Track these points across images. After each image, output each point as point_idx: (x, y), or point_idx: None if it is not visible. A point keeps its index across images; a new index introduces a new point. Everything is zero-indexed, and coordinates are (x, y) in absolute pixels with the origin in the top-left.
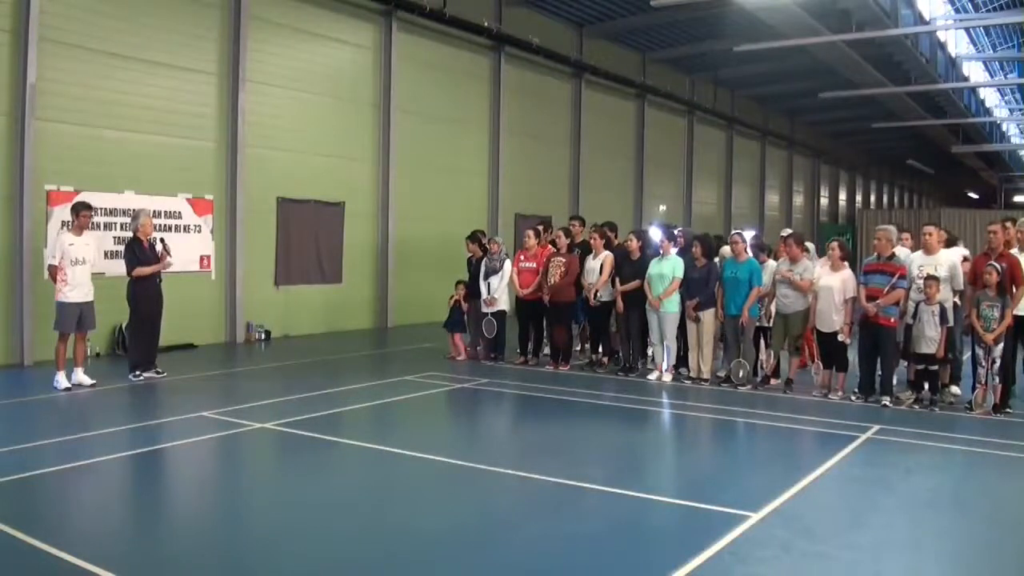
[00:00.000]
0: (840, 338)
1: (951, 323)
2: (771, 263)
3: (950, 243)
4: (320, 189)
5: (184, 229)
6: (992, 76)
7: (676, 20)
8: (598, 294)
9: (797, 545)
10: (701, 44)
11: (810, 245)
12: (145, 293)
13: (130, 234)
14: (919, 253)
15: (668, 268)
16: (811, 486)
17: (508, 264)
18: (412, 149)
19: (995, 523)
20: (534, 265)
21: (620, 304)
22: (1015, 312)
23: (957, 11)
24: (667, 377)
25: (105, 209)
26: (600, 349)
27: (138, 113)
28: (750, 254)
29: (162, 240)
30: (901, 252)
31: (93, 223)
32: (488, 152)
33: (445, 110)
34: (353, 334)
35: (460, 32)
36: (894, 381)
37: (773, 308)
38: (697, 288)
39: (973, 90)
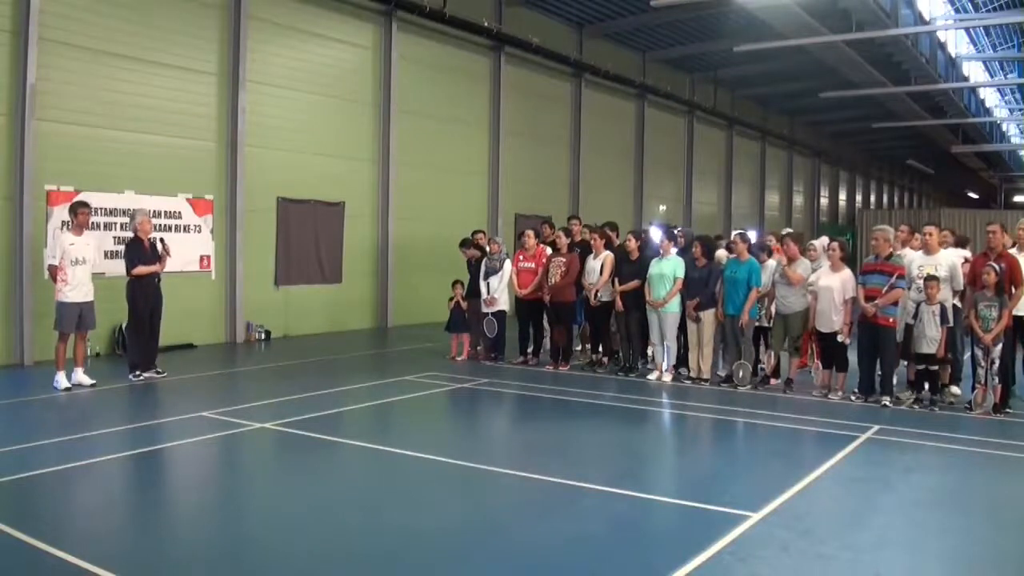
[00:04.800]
0: (839, 338)
1: (951, 323)
2: (771, 263)
3: (960, 243)
4: (320, 189)
5: (184, 229)
6: (992, 76)
7: (676, 20)
8: (598, 294)
9: (797, 545)
10: (701, 44)
11: (817, 243)
12: (144, 293)
13: (130, 234)
14: (919, 253)
15: (669, 268)
16: (811, 486)
17: (508, 264)
18: (412, 149)
19: (995, 523)
20: (533, 265)
21: (620, 304)
22: (1015, 312)
23: (957, 11)
24: (667, 377)
25: (105, 209)
26: (600, 349)
27: (138, 113)
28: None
29: (162, 240)
30: (908, 252)
31: (93, 223)
32: (488, 152)
33: (445, 110)
34: (353, 334)
35: (460, 32)
36: (894, 381)
37: (773, 308)
38: (697, 288)
39: (973, 90)
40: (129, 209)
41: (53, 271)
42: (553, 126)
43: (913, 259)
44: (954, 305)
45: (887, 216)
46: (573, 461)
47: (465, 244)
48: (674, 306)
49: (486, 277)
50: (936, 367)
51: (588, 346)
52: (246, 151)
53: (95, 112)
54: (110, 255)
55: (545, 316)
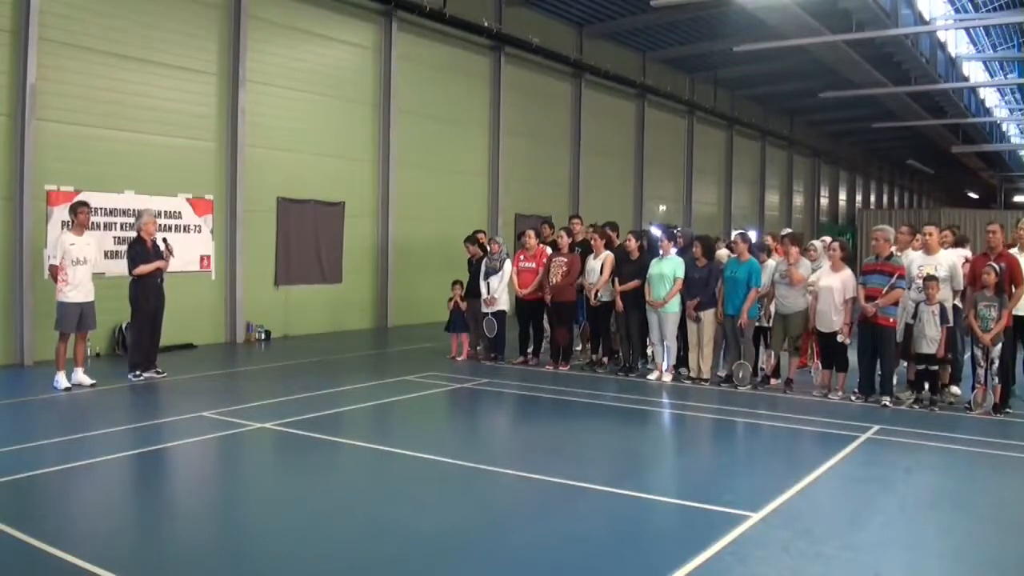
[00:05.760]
0: (839, 338)
1: (951, 323)
2: (770, 263)
3: (959, 243)
4: (320, 189)
5: (184, 229)
6: (992, 76)
7: (676, 20)
8: (598, 294)
9: (797, 545)
10: (701, 44)
11: (817, 243)
12: (146, 292)
13: (132, 234)
14: (919, 253)
15: (668, 268)
16: (811, 486)
17: (508, 264)
18: (412, 149)
19: (995, 523)
20: (534, 265)
21: (620, 304)
22: (1014, 312)
23: (957, 11)
24: (667, 377)
25: (105, 209)
26: (600, 349)
27: (138, 113)
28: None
29: (164, 240)
30: (908, 252)
31: (93, 223)
32: (488, 152)
33: (445, 110)
34: (353, 334)
35: (460, 32)
36: (894, 381)
37: (772, 308)
38: (697, 288)
39: (973, 90)
40: (131, 209)
41: (54, 271)
42: (553, 126)
43: (913, 259)
44: (954, 305)
45: (887, 216)
46: (573, 461)
47: (471, 240)
48: (674, 306)
49: (486, 277)
50: (936, 367)
51: (588, 345)
52: (246, 151)
53: (95, 112)
54: (110, 255)
55: (545, 316)
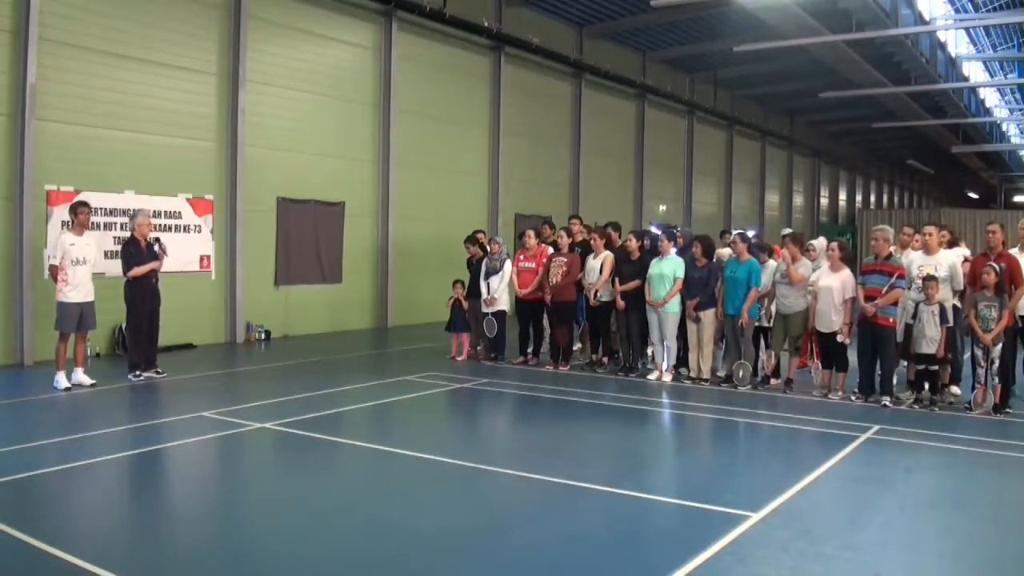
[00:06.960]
0: (839, 338)
1: (951, 323)
2: (771, 263)
3: (952, 244)
4: (320, 189)
5: (184, 229)
6: (992, 76)
7: (676, 20)
8: (598, 294)
9: (797, 545)
10: (701, 44)
11: (818, 243)
12: (142, 293)
13: (129, 234)
14: (919, 253)
15: (668, 268)
16: (811, 486)
17: (508, 264)
18: (412, 149)
19: (995, 523)
20: (534, 265)
21: (620, 303)
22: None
23: (957, 11)
24: (667, 377)
25: (105, 209)
26: (600, 349)
27: (138, 113)
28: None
29: (158, 240)
30: (908, 252)
31: (93, 223)
32: (488, 152)
33: (445, 110)
34: (353, 334)
35: (460, 32)
36: (894, 381)
37: (773, 308)
38: (697, 288)
39: (973, 90)
40: (130, 209)
41: (54, 271)
42: (553, 126)
43: (913, 259)
44: (954, 305)
45: (887, 216)
46: (573, 461)
47: (471, 240)
48: (674, 306)
49: (486, 277)
50: (936, 367)
51: (588, 345)
52: (246, 151)
53: (95, 112)
54: (110, 255)
55: (545, 316)
